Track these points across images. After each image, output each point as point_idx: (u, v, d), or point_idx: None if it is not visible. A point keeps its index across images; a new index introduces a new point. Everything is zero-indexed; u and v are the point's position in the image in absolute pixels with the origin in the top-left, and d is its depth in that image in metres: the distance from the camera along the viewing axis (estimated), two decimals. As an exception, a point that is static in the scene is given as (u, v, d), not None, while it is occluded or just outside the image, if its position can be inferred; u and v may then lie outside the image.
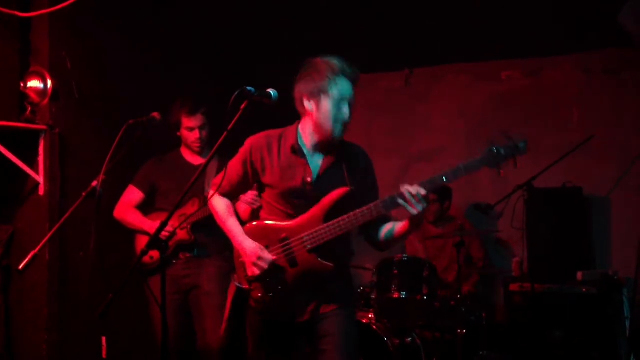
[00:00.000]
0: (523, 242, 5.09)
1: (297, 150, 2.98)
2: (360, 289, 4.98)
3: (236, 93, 2.75)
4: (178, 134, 4.28)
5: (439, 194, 5.42)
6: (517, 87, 5.84)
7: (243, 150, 3.07)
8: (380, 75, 6.24)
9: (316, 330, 3.01)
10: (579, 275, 4.88)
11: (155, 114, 3.90)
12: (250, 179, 3.09)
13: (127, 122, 3.83)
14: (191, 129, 4.21)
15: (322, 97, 2.89)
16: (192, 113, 4.18)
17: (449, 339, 4.73)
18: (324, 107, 2.89)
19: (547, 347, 4.83)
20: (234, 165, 3.10)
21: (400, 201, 2.76)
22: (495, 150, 2.69)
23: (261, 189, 3.15)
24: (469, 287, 5.05)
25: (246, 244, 3.02)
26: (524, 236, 5.08)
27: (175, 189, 4.10)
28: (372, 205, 2.84)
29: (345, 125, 2.94)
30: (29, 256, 4.14)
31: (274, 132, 3.06)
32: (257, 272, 2.97)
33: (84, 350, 4.33)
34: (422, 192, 2.74)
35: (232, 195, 3.21)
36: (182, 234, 4.14)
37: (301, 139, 3.01)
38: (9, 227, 4.36)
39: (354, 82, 2.92)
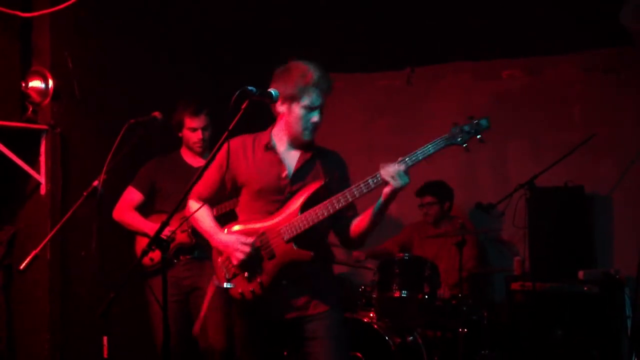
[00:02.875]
0: (525, 241, 5.09)
1: (270, 148, 3.06)
2: (361, 288, 4.98)
3: (237, 93, 2.76)
4: (180, 134, 4.27)
5: (439, 195, 5.41)
6: (518, 86, 5.83)
7: (218, 155, 3.03)
8: (380, 74, 6.23)
9: (303, 331, 3.03)
10: (581, 274, 4.88)
11: (156, 114, 3.90)
12: (227, 183, 3.11)
13: (128, 121, 3.84)
14: (194, 130, 4.20)
15: (293, 103, 2.98)
16: (195, 114, 4.18)
17: (450, 338, 4.73)
18: (294, 113, 2.99)
19: (549, 346, 4.82)
20: (210, 171, 3.10)
21: (380, 179, 2.83)
22: (459, 129, 2.85)
23: (237, 193, 3.17)
24: (447, 289, 5.01)
25: (224, 238, 3.06)
26: (525, 235, 5.07)
27: (176, 190, 4.09)
28: (352, 187, 2.89)
29: (315, 129, 3.04)
30: (30, 256, 4.14)
31: (247, 136, 3.12)
32: (241, 256, 2.98)
33: (86, 350, 4.33)
34: (402, 167, 2.82)
35: (209, 200, 3.20)
36: (182, 237, 4.13)
37: (273, 140, 3.09)
38: (10, 228, 4.37)
39: (326, 93, 3.00)
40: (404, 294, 4.59)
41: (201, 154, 4.26)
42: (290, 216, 2.98)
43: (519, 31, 5.47)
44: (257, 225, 3.04)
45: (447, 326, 4.75)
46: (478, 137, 2.85)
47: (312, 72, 2.96)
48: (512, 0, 5.05)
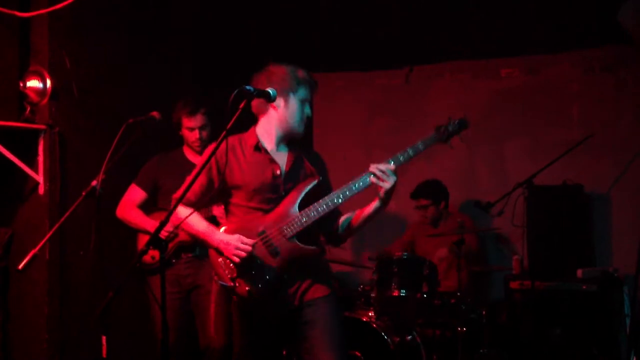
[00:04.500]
0: (523, 240, 5.09)
1: (260, 148, 3.12)
2: (360, 287, 4.98)
3: (235, 92, 2.76)
4: (180, 133, 4.28)
5: (433, 197, 5.41)
6: (516, 84, 5.83)
7: (205, 159, 3.01)
8: (379, 73, 6.23)
9: (301, 316, 3.08)
10: (579, 272, 4.88)
11: (155, 113, 3.90)
12: (216, 186, 3.10)
13: (127, 121, 3.84)
14: (191, 129, 4.20)
15: (291, 96, 3.08)
16: (192, 113, 4.18)
17: (449, 336, 4.73)
18: (291, 105, 3.09)
19: (548, 344, 4.83)
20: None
21: (373, 178, 2.96)
22: (442, 128, 3.08)
23: (227, 195, 3.16)
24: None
25: (223, 237, 3.05)
26: (524, 234, 5.08)
27: (178, 188, 4.08)
28: (349, 182, 2.99)
29: (305, 122, 3.15)
30: (29, 256, 4.12)
31: (232, 138, 3.12)
32: (243, 254, 2.98)
33: (84, 350, 4.33)
34: (392, 167, 2.97)
35: (197, 205, 3.16)
36: (184, 235, 4.13)
37: (261, 139, 3.13)
38: (8, 230, 4.37)
39: (314, 88, 3.16)
40: (403, 293, 4.60)
41: (200, 153, 4.26)
42: (289, 213, 3.02)
43: (517, 30, 5.48)
44: (255, 223, 3.06)
45: (446, 325, 4.75)
46: (459, 136, 3.10)
47: (299, 69, 3.12)
48: (510, -1, 5.07)
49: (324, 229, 3.20)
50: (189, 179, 2.98)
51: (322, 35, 5.85)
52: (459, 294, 4.77)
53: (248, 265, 3.01)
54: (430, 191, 5.41)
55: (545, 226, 5.13)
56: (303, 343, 3.07)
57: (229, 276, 3.06)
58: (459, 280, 4.79)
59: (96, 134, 4.47)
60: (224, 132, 2.81)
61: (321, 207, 3.00)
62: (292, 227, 3.00)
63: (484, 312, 4.85)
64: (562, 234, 5.15)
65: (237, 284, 3.04)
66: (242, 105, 2.81)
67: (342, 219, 3.20)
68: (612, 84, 5.46)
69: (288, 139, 3.16)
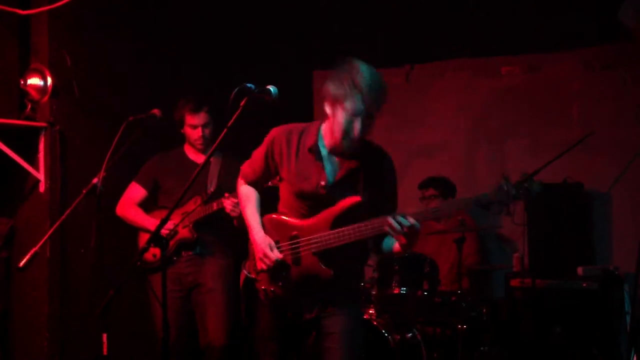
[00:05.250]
0: (524, 238, 5.08)
1: (314, 152, 2.93)
2: (361, 285, 4.98)
3: (236, 90, 2.75)
4: (182, 131, 4.27)
5: (441, 189, 5.41)
6: (517, 83, 5.83)
7: (266, 141, 3.05)
8: (379, 71, 6.21)
9: (321, 327, 3.03)
10: (580, 270, 4.88)
11: (156, 111, 3.90)
12: (272, 170, 3.08)
13: (128, 119, 3.84)
14: (194, 127, 4.20)
15: (339, 107, 2.80)
16: (195, 111, 4.18)
17: (450, 334, 4.73)
18: (338, 117, 2.81)
19: (548, 342, 4.83)
20: (257, 155, 3.10)
21: (388, 229, 2.73)
22: (505, 187, 2.63)
23: (281, 179, 3.11)
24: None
25: (258, 237, 3.02)
26: (524, 232, 5.07)
27: (178, 186, 4.09)
28: (371, 221, 2.79)
29: (354, 141, 2.83)
30: (30, 253, 4.13)
31: (296, 127, 3.01)
32: (264, 267, 3.00)
33: (85, 348, 4.33)
34: (411, 221, 2.70)
35: (257, 183, 3.17)
36: (184, 232, 4.14)
37: (321, 140, 2.95)
38: (9, 220, 4.37)
39: (373, 103, 2.78)
40: (404, 290, 4.60)
41: (203, 151, 4.27)
42: (322, 227, 2.91)
43: (518, 28, 5.48)
44: (291, 225, 3.01)
45: (447, 323, 4.75)
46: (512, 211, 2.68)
47: (362, 73, 2.77)
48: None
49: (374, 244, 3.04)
50: (191, 178, 2.91)
51: (322, 35, 5.85)
52: (459, 291, 4.77)
53: (270, 268, 3.01)
54: (440, 184, 5.42)
55: (545, 224, 5.13)
56: (322, 353, 3.02)
57: (254, 269, 3.08)
58: (459, 279, 4.79)
59: (97, 132, 4.47)
60: (224, 130, 2.81)
61: (350, 233, 2.82)
62: (319, 244, 2.90)
63: (484, 310, 4.85)
64: (562, 232, 5.15)
65: (259, 279, 3.06)
66: (242, 102, 2.80)
67: (388, 242, 2.98)
68: (613, 82, 5.46)
69: (337, 151, 2.92)
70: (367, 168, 2.94)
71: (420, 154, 6.00)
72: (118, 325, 4.33)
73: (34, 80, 4.26)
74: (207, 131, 4.21)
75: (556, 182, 5.19)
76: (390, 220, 2.70)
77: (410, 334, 4.60)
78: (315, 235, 2.91)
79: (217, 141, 2.84)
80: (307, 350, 3.16)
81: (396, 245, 2.89)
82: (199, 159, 4.26)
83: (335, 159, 2.95)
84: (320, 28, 5.83)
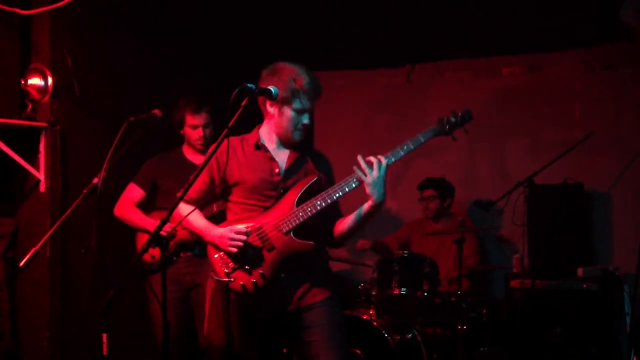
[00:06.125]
0: (524, 239, 5.08)
1: (260, 147, 3.11)
2: (360, 285, 4.98)
3: (237, 90, 2.76)
4: (181, 131, 4.27)
5: (440, 190, 5.42)
6: (517, 83, 5.83)
7: (207, 157, 3.02)
8: (380, 71, 6.23)
9: (302, 320, 3.05)
10: (580, 271, 4.88)
11: (156, 111, 3.91)
12: (217, 184, 3.13)
13: (128, 119, 3.84)
14: (195, 127, 4.21)
15: (284, 106, 3.02)
16: (196, 111, 4.18)
17: (450, 335, 4.73)
18: (285, 115, 3.04)
19: (548, 343, 4.83)
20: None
21: (357, 170, 2.90)
22: (445, 120, 3.04)
23: (227, 193, 3.16)
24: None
25: (214, 232, 3.07)
26: (524, 232, 5.07)
27: (177, 187, 4.06)
28: (348, 178, 2.95)
29: (306, 131, 3.08)
30: (30, 253, 4.15)
31: (234, 138, 3.13)
32: (239, 244, 2.99)
33: (85, 348, 4.33)
34: (378, 159, 2.92)
35: (197, 202, 3.20)
36: (183, 233, 4.13)
37: (262, 139, 3.13)
38: (12, 221, 4.37)
39: (316, 97, 3.05)
40: (403, 291, 4.60)
41: (202, 151, 4.27)
42: (287, 210, 3.01)
43: (518, 28, 5.48)
44: (253, 221, 3.06)
45: (447, 323, 4.75)
46: (463, 128, 3.03)
47: (302, 75, 3.00)
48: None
49: (323, 230, 3.15)
50: (191, 177, 2.97)
51: (322, 35, 5.85)
52: (459, 292, 4.77)
53: (243, 260, 3.02)
54: (439, 185, 5.43)
55: (545, 225, 5.13)
56: (304, 347, 3.06)
57: (224, 271, 3.06)
58: (459, 280, 4.79)
59: (97, 132, 4.48)
60: (225, 130, 2.81)
61: (318, 202, 2.97)
62: (288, 222, 2.99)
63: (484, 311, 4.85)
64: (562, 232, 5.15)
65: (231, 279, 3.05)
66: (243, 103, 2.81)
67: (341, 221, 3.13)
68: (614, 82, 5.46)
69: (287, 144, 3.13)
70: (310, 156, 3.17)
71: (421, 154, 5.98)
72: (118, 325, 4.34)
73: (35, 80, 4.26)
74: (207, 131, 4.21)
75: (556, 183, 5.20)
76: (359, 158, 2.88)
77: (410, 335, 4.61)
78: (281, 218, 3.00)
79: (218, 141, 2.84)
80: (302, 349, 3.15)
81: (366, 206, 2.99)
82: (198, 159, 4.26)
83: (281, 150, 3.12)
84: (320, 28, 5.83)
